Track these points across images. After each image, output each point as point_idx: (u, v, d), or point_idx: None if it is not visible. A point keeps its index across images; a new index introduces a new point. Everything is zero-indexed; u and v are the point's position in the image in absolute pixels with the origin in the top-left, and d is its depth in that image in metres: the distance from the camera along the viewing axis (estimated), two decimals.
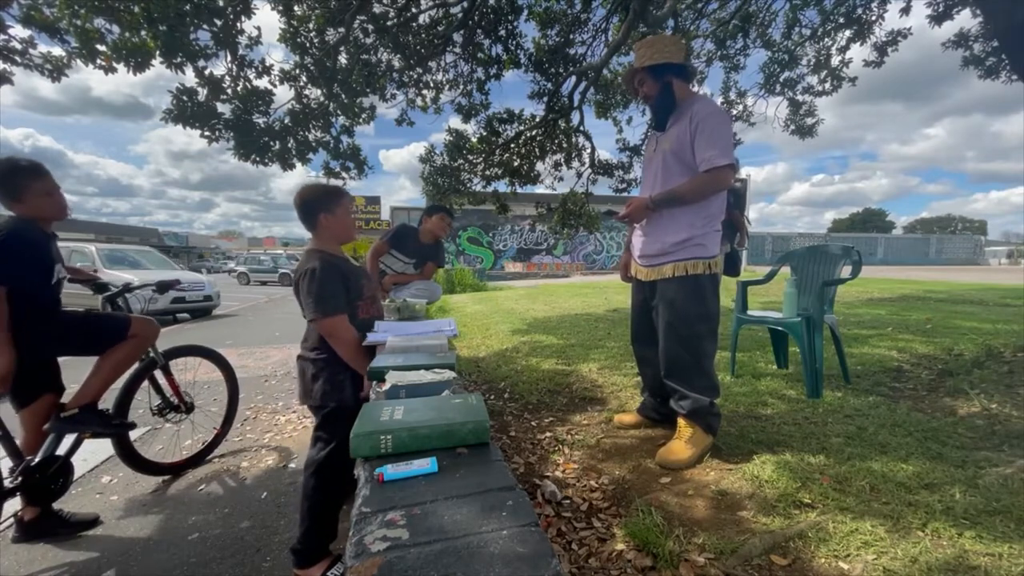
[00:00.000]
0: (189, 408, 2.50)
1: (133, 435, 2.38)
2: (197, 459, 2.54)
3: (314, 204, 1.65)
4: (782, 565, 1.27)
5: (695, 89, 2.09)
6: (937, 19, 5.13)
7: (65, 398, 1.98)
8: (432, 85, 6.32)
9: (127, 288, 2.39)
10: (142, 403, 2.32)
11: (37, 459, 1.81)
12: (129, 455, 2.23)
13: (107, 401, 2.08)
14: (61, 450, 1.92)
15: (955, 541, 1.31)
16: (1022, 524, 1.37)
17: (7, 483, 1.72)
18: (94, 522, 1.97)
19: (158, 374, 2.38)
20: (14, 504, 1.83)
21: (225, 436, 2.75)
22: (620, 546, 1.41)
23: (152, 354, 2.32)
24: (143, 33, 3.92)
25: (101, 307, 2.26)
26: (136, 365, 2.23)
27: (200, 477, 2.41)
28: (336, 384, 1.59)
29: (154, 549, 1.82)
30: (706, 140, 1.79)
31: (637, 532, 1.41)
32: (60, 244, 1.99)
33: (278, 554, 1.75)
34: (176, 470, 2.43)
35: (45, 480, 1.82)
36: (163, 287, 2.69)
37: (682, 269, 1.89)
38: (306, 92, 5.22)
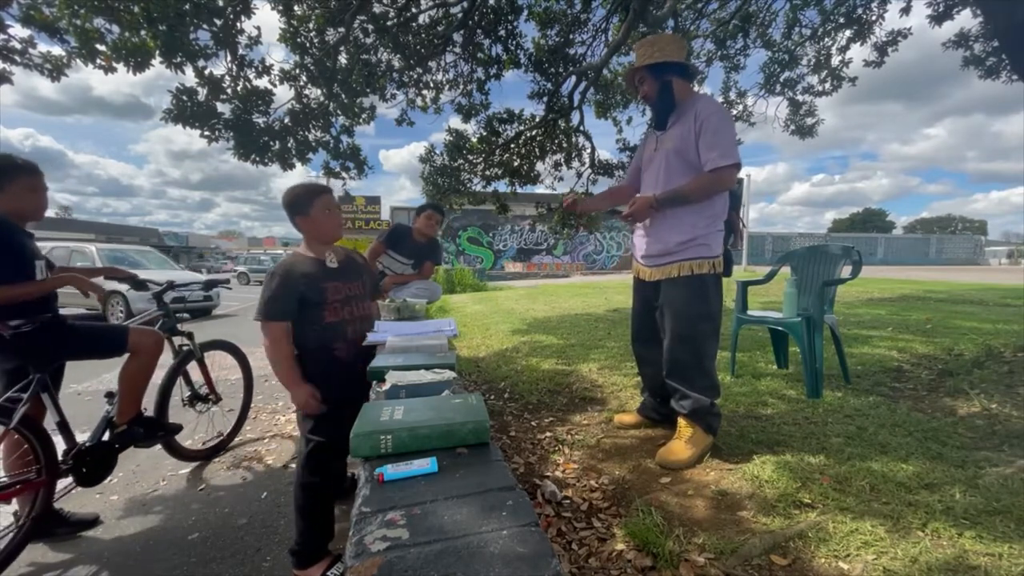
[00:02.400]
0: (218, 399, 2.65)
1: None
2: (220, 447, 2.68)
3: (290, 209, 1.67)
4: (782, 565, 1.27)
5: (696, 89, 2.08)
6: (937, 19, 5.13)
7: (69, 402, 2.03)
8: (432, 85, 6.31)
9: (171, 285, 2.51)
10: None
11: (88, 444, 1.94)
12: (168, 442, 2.36)
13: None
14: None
15: (955, 541, 1.31)
16: (1022, 524, 1.37)
17: (61, 465, 1.84)
18: (94, 522, 1.98)
19: (191, 367, 2.52)
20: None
21: (242, 427, 2.87)
22: (620, 546, 1.40)
23: (190, 347, 2.48)
24: (143, 33, 3.92)
25: (157, 305, 2.41)
26: (173, 362, 2.41)
27: (200, 477, 2.41)
28: (316, 381, 1.59)
29: (154, 549, 1.82)
30: (711, 139, 1.79)
31: (637, 532, 1.41)
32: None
33: (278, 554, 1.75)
34: (203, 457, 2.57)
35: (94, 464, 1.93)
36: (210, 285, 2.87)
37: (687, 269, 1.89)
38: (306, 92, 5.21)
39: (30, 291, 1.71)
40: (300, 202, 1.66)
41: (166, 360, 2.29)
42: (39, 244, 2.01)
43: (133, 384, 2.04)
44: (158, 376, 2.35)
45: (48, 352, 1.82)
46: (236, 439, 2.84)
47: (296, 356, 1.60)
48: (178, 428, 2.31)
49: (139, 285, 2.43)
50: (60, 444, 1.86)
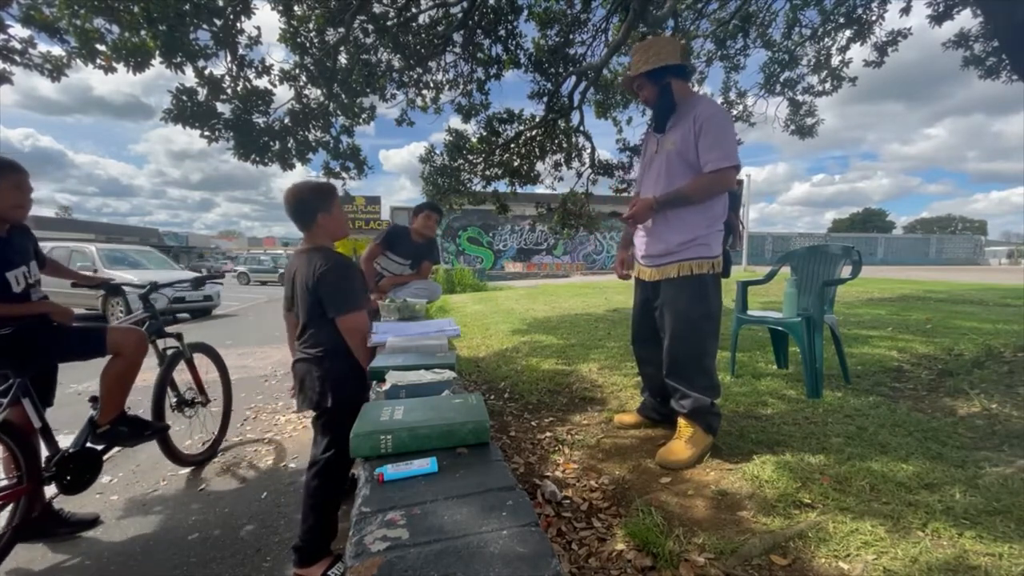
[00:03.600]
0: (207, 400, 2.62)
1: None
2: (212, 450, 2.64)
3: (312, 203, 1.65)
4: (782, 565, 1.27)
5: (695, 90, 2.08)
6: (937, 19, 5.13)
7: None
8: (432, 85, 6.31)
9: (155, 286, 2.47)
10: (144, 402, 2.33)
11: (72, 450, 1.89)
12: (163, 443, 2.33)
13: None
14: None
15: (955, 541, 1.31)
16: (1022, 524, 1.37)
17: (44, 472, 1.80)
18: (94, 522, 1.98)
19: (179, 370, 2.49)
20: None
21: (227, 428, 2.82)
22: (620, 546, 1.40)
23: (177, 348, 2.47)
24: (143, 33, 3.92)
25: (143, 307, 2.37)
26: (163, 365, 2.39)
27: (200, 477, 2.41)
28: (339, 382, 1.59)
29: (154, 549, 1.82)
30: (711, 141, 1.79)
31: (637, 532, 1.41)
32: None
33: (278, 554, 1.75)
34: (199, 461, 2.53)
35: (78, 471, 1.89)
36: (198, 283, 2.92)
37: (687, 268, 1.90)
38: (306, 92, 5.21)
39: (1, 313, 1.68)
40: (325, 197, 1.67)
41: (150, 363, 2.26)
42: (39, 244, 1.99)
43: (114, 385, 1.98)
44: (151, 379, 2.34)
45: (28, 356, 1.79)
46: (234, 440, 2.84)
47: (330, 353, 1.61)
48: (166, 427, 2.27)
49: (113, 290, 2.37)
50: (43, 451, 1.84)
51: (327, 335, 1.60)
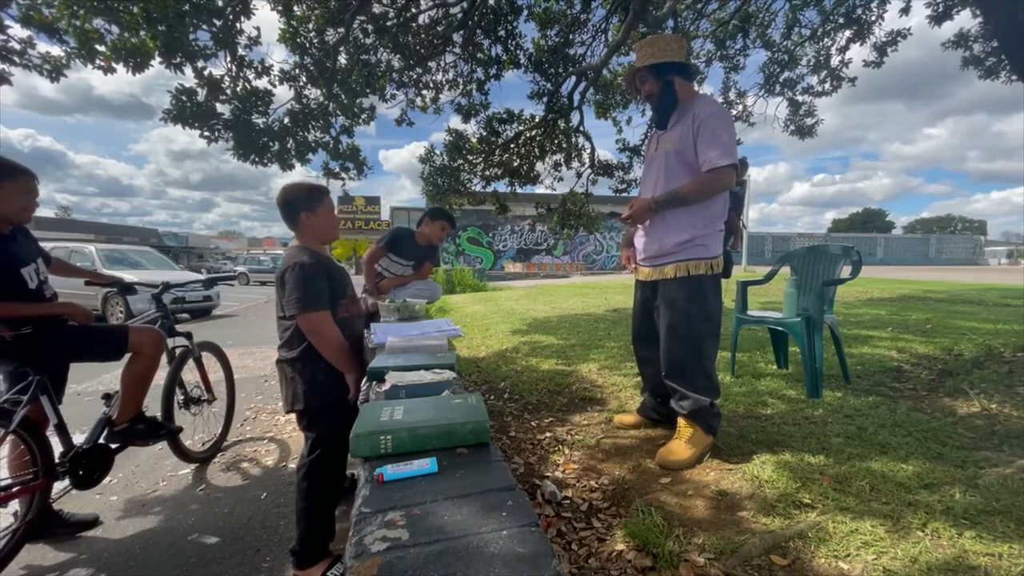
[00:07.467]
0: (213, 398, 2.67)
1: None
2: (217, 447, 2.68)
3: (295, 203, 1.66)
4: (782, 565, 1.27)
5: (696, 89, 2.08)
6: (937, 19, 5.13)
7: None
8: (432, 85, 6.31)
9: (167, 286, 2.50)
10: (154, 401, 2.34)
11: (85, 446, 1.91)
12: (173, 441, 2.36)
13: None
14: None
15: (955, 541, 1.31)
16: (1022, 524, 1.37)
17: (58, 467, 1.83)
18: (94, 522, 1.98)
19: (187, 369, 2.52)
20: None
21: (231, 426, 2.85)
22: (620, 546, 1.40)
23: (186, 347, 2.51)
24: (142, 33, 3.92)
25: (156, 306, 2.41)
26: (173, 364, 2.42)
27: (199, 477, 2.41)
28: (316, 384, 1.59)
29: (154, 549, 1.82)
30: (708, 140, 1.79)
31: (637, 532, 1.41)
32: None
33: (278, 554, 1.75)
34: (206, 457, 2.57)
35: (90, 466, 1.91)
36: (210, 283, 2.97)
37: (684, 269, 1.89)
38: (306, 92, 5.22)
39: (22, 312, 1.70)
40: (310, 198, 1.67)
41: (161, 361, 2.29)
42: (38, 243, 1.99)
43: (135, 384, 2.02)
44: (159, 378, 2.35)
45: (49, 354, 1.81)
46: (234, 439, 2.84)
47: (306, 355, 1.59)
48: (179, 428, 2.30)
49: (126, 289, 2.40)
50: (57, 446, 1.85)
51: (300, 336, 1.59)
